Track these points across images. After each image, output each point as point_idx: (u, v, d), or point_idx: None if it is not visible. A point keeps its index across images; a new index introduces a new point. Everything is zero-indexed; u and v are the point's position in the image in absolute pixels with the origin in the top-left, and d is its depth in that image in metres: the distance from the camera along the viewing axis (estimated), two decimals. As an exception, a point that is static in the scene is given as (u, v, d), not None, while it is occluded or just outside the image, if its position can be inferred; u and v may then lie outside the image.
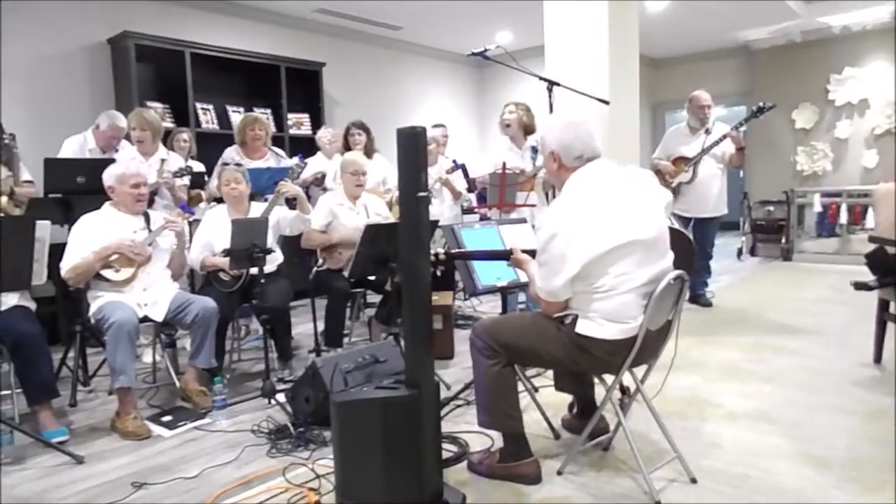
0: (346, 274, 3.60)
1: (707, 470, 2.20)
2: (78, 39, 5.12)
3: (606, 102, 3.61)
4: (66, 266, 2.94)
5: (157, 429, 2.79)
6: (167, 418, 2.89)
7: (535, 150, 4.26)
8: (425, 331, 2.01)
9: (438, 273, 2.46)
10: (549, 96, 3.51)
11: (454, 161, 4.45)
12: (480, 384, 2.21)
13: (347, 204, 3.88)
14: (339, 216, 3.82)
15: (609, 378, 2.16)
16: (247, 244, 3.11)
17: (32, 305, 2.93)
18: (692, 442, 2.43)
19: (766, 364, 3.43)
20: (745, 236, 7.90)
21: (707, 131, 4.70)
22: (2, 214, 3.21)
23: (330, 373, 2.66)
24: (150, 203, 3.78)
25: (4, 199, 3.42)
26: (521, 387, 2.59)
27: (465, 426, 2.63)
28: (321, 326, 3.69)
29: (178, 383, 3.21)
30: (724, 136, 4.61)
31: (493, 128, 4.64)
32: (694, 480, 2.12)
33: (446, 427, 2.65)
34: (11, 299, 2.80)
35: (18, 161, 3.74)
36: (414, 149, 1.94)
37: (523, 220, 3.16)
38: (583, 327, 2.01)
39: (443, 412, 2.82)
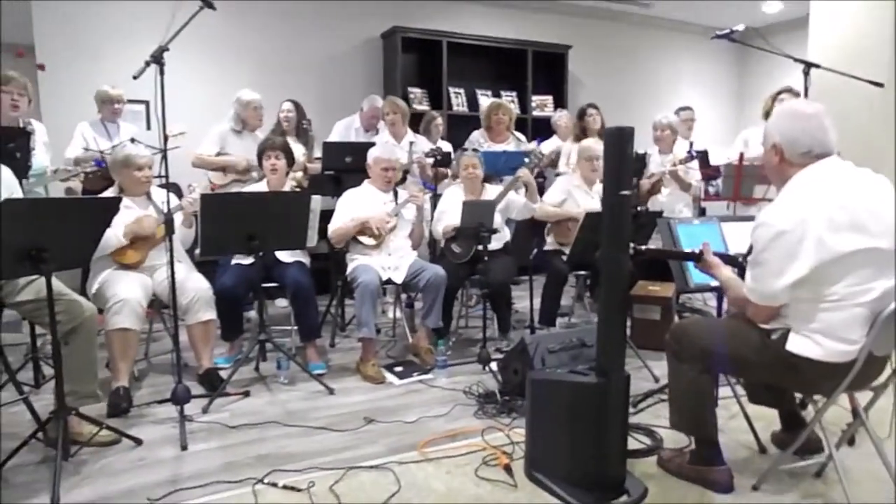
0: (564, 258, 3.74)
1: (943, 522, 1.90)
2: (358, 36, 6.01)
3: (880, 85, 3.12)
4: (331, 230, 3.59)
5: (389, 376, 3.29)
6: (399, 369, 3.38)
7: None
8: (619, 323, 2.08)
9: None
10: (805, 80, 3.16)
11: (689, 150, 4.21)
12: (674, 386, 2.19)
13: (584, 188, 4.03)
14: (574, 196, 4.00)
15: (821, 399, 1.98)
16: (474, 223, 3.43)
17: (308, 261, 3.64)
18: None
19: None
20: None
21: None
22: (297, 186, 4.02)
23: (535, 350, 2.85)
24: (403, 180, 4.34)
25: (300, 173, 4.27)
26: (729, 392, 2.51)
27: (664, 420, 2.59)
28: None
29: (411, 339, 3.71)
30: None
31: (754, 111, 4.22)
32: (918, 530, 1.87)
33: (645, 419, 2.69)
34: (293, 256, 3.53)
35: (313, 142, 4.60)
36: (619, 148, 1.99)
37: (751, 218, 2.93)
38: (795, 345, 1.86)
39: (644, 404, 2.84)
